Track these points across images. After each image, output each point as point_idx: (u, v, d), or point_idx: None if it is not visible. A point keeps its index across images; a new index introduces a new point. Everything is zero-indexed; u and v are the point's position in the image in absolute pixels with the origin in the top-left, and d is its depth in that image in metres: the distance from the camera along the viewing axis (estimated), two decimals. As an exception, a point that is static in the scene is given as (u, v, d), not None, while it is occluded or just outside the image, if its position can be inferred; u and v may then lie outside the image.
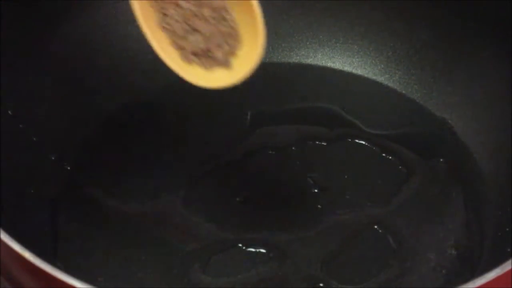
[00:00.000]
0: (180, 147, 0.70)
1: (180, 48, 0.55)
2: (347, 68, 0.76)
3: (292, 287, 0.61)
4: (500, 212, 0.65)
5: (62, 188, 0.67)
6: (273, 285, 0.61)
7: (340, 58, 0.77)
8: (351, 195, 0.67)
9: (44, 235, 0.63)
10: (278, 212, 0.66)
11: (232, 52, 0.54)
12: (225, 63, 0.54)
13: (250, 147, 0.70)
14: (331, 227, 0.65)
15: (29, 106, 0.68)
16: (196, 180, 0.68)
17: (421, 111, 0.74)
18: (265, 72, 0.76)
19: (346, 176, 0.68)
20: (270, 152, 0.70)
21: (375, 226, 0.65)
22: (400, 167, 0.69)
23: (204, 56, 0.55)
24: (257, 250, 0.63)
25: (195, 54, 0.55)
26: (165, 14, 0.54)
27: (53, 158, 0.68)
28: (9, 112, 0.66)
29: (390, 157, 0.70)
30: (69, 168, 0.68)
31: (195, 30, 0.54)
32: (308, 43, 0.77)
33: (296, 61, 0.77)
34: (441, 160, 0.69)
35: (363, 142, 0.71)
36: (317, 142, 0.71)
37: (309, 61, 0.77)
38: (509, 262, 0.50)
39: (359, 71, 0.76)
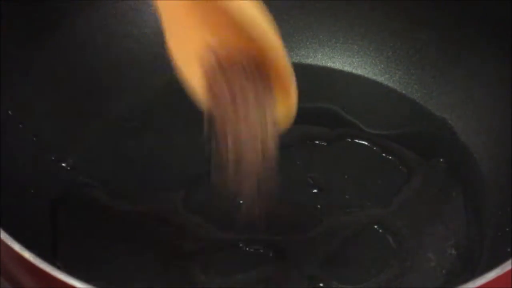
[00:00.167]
0: (180, 147, 0.70)
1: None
2: (347, 68, 0.76)
3: (292, 287, 0.61)
4: (500, 212, 0.65)
5: (62, 188, 0.67)
6: (273, 285, 0.61)
7: (340, 58, 0.77)
8: (351, 195, 0.67)
9: (44, 235, 0.63)
10: (278, 212, 0.66)
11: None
12: None
13: (250, 147, 0.70)
14: (331, 227, 0.65)
15: (29, 106, 0.68)
16: (196, 180, 0.68)
17: (421, 111, 0.73)
18: (265, 72, 0.76)
19: (346, 176, 0.68)
20: (270, 152, 0.70)
21: (375, 226, 0.65)
22: (400, 167, 0.69)
23: None
24: (257, 250, 0.63)
25: None
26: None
27: (53, 158, 0.68)
28: (9, 112, 0.66)
29: (390, 157, 0.70)
30: (69, 168, 0.68)
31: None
32: (308, 43, 0.77)
33: (296, 61, 0.77)
34: (441, 160, 0.69)
35: (363, 142, 0.71)
36: (317, 142, 0.71)
37: (309, 61, 0.77)
38: (509, 262, 0.50)
39: (359, 71, 0.76)
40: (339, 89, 0.75)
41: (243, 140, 0.54)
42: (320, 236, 0.64)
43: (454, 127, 0.72)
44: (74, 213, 0.65)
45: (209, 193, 0.67)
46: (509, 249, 0.59)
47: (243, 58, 0.52)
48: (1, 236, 0.51)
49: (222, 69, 0.53)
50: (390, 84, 0.75)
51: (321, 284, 0.61)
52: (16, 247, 0.50)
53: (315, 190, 0.67)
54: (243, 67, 0.53)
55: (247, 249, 0.63)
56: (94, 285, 0.48)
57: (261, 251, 0.63)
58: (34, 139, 0.67)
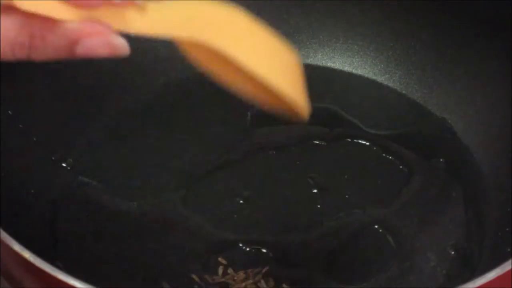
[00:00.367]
0: (180, 147, 0.70)
1: None
2: (347, 68, 0.76)
3: (291, 287, 0.61)
4: (500, 212, 0.65)
5: (62, 188, 0.67)
6: (273, 285, 0.61)
7: (340, 58, 0.77)
8: (351, 195, 0.67)
9: (44, 235, 0.63)
10: (278, 212, 0.66)
11: None
12: None
13: (251, 147, 0.70)
14: (331, 227, 0.65)
15: (29, 106, 0.68)
16: (196, 180, 0.68)
17: (421, 111, 0.73)
18: (265, 72, 0.76)
19: (346, 176, 0.68)
20: (270, 152, 0.70)
21: (375, 226, 0.65)
22: (400, 167, 0.69)
23: None
24: (257, 250, 0.63)
25: None
26: None
27: (53, 158, 0.68)
28: (9, 112, 0.66)
29: (390, 157, 0.70)
30: (69, 168, 0.68)
31: None
32: (308, 43, 0.77)
33: (296, 61, 0.77)
34: (441, 160, 0.69)
35: (363, 142, 0.71)
36: (317, 142, 0.71)
37: (309, 61, 0.77)
38: (509, 262, 0.50)
39: (359, 71, 0.76)
40: (339, 89, 0.75)
41: None
42: (320, 236, 0.64)
43: (454, 127, 0.72)
44: (74, 213, 0.65)
45: (209, 193, 0.67)
46: (509, 249, 0.59)
47: None
48: (1, 236, 0.51)
49: None
50: (390, 84, 0.75)
51: (321, 284, 0.61)
52: (16, 247, 0.50)
53: (315, 190, 0.67)
54: None
55: (247, 249, 0.63)
56: (94, 285, 0.48)
57: (261, 251, 0.63)
58: (34, 139, 0.67)
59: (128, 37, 0.75)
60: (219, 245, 0.63)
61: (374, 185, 0.68)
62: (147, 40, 0.76)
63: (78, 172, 0.68)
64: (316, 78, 0.75)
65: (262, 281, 0.61)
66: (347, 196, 0.67)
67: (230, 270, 0.62)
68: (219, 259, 0.62)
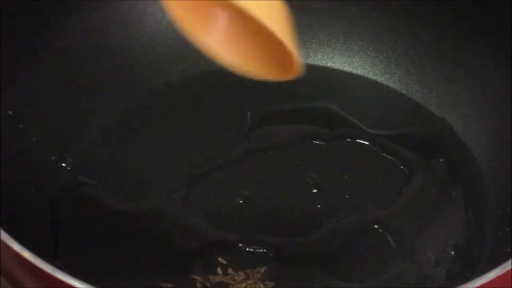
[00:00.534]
0: (180, 147, 0.70)
1: None
2: (347, 68, 0.76)
3: (292, 287, 0.61)
4: (500, 212, 0.65)
5: (62, 188, 0.67)
6: (273, 285, 0.61)
7: (340, 58, 0.77)
8: (350, 195, 0.67)
9: (44, 235, 0.63)
10: (278, 212, 0.66)
11: None
12: None
13: (250, 147, 0.70)
14: (331, 227, 0.65)
15: (29, 106, 0.68)
16: (196, 180, 0.68)
17: (421, 111, 0.74)
18: (265, 72, 0.76)
19: (346, 176, 0.68)
20: (270, 152, 0.70)
21: (375, 226, 0.65)
22: (400, 167, 0.69)
23: None
24: (257, 250, 0.63)
25: None
26: None
27: (53, 158, 0.68)
28: (9, 112, 0.66)
29: (390, 157, 0.70)
30: (69, 168, 0.68)
31: None
32: (308, 43, 0.77)
33: (296, 61, 0.77)
34: (441, 160, 0.69)
35: (363, 142, 0.71)
36: (317, 142, 0.71)
37: (309, 61, 0.77)
38: (509, 262, 0.50)
39: (359, 71, 0.76)
40: (339, 89, 0.75)
41: None
42: (320, 236, 0.64)
43: (454, 127, 0.72)
44: (74, 213, 0.65)
45: (209, 193, 0.67)
46: (509, 249, 0.59)
47: None
48: (1, 236, 0.51)
49: None
50: (390, 84, 0.75)
51: (321, 284, 0.61)
52: (16, 247, 0.50)
53: (315, 190, 0.67)
54: None
55: (247, 249, 0.63)
56: (94, 285, 0.48)
57: (261, 251, 0.63)
58: (34, 139, 0.67)
59: (128, 37, 0.75)
60: (219, 245, 0.63)
61: (374, 185, 0.68)
62: (147, 40, 0.77)
63: (78, 172, 0.68)
64: (316, 78, 0.76)
65: (262, 281, 0.61)
66: (347, 196, 0.67)
67: (230, 270, 0.62)
68: (219, 259, 0.62)
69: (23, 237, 0.51)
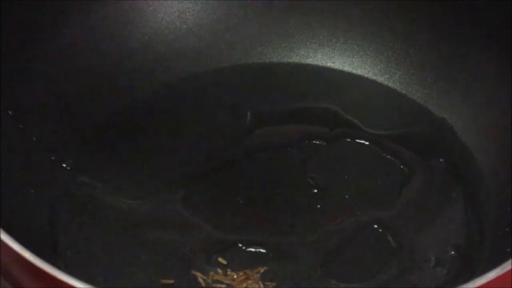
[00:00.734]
0: (180, 147, 0.70)
1: None
2: (347, 68, 0.76)
3: (292, 287, 0.61)
4: (500, 212, 0.65)
5: (62, 188, 0.67)
6: (272, 285, 0.61)
7: (340, 58, 0.77)
8: (350, 195, 0.67)
9: (44, 235, 0.63)
10: (278, 212, 0.66)
11: None
12: None
13: (250, 147, 0.70)
14: (331, 227, 0.65)
15: (29, 106, 0.68)
16: (196, 180, 0.68)
17: (421, 111, 0.73)
18: (265, 72, 0.76)
19: (346, 176, 0.68)
20: (270, 152, 0.70)
21: (375, 226, 0.65)
22: (400, 167, 0.69)
23: None
24: (257, 250, 0.63)
25: None
26: None
27: (53, 158, 0.68)
28: (9, 112, 0.66)
29: (390, 157, 0.70)
30: (69, 168, 0.68)
31: None
32: (308, 43, 0.77)
33: (296, 61, 0.77)
34: (441, 160, 0.69)
35: (363, 142, 0.71)
36: (317, 142, 0.71)
37: (309, 61, 0.77)
38: (509, 262, 0.50)
39: (359, 71, 0.76)
40: (339, 89, 0.75)
41: None
42: (320, 236, 0.64)
43: (454, 127, 0.72)
44: (74, 213, 0.65)
45: (209, 193, 0.67)
46: (509, 249, 0.59)
47: None
48: (1, 236, 0.51)
49: None
50: (390, 84, 0.75)
51: (321, 284, 0.61)
52: (16, 247, 0.50)
53: (315, 190, 0.67)
54: None
55: (247, 249, 0.63)
56: (94, 285, 0.48)
57: (261, 251, 0.63)
58: (34, 139, 0.67)
59: (128, 37, 0.75)
60: (219, 245, 0.63)
61: (374, 185, 0.68)
62: (147, 40, 0.77)
63: (78, 172, 0.68)
64: (316, 78, 0.76)
65: (262, 281, 0.61)
66: (347, 196, 0.67)
67: (230, 270, 0.62)
68: (219, 259, 0.62)
69: (23, 237, 0.51)
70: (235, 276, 0.61)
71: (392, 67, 0.76)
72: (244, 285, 0.61)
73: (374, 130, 0.71)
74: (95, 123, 0.71)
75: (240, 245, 0.63)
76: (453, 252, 0.63)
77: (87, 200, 0.66)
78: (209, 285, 0.61)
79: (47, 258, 0.50)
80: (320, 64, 0.77)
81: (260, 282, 0.61)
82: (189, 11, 0.77)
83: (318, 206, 0.66)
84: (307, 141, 0.71)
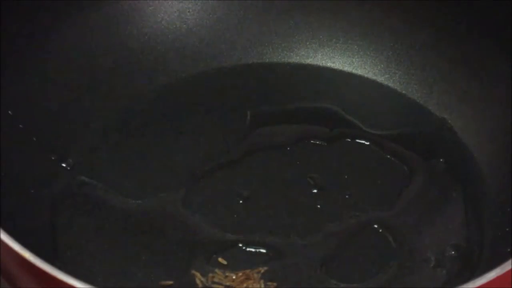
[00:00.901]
0: (180, 147, 0.70)
1: None
2: (347, 68, 0.76)
3: (292, 287, 0.61)
4: (500, 212, 0.65)
5: (62, 188, 0.67)
6: (272, 285, 0.61)
7: (340, 58, 0.77)
8: (350, 195, 0.67)
9: (44, 235, 0.63)
10: (278, 212, 0.66)
11: None
12: None
13: (250, 147, 0.70)
14: (331, 227, 0.65)
15: (29, 106, 0.68)
16: (196, 180, 0.68)
17: (421, 111, 0.73)
18: (265, 72, 0.76)
19: (346, 176, 0.68)
20: (270, 152, 0.70)
21: (375, 226, 0.65)
22: (400, 167, 0.69)
23: None
24: (257, 250, 0.63)
25: None
26: None
27: (53, 158, 0.68)
28: (9, 112, 0.66)
29: (390, 157, 0.70)
30: (69, 168, 0.68)
31: None
32: (308, 43, 0.77)
33: (296, 61, 0.77)
34: (441, 160, 0.69)
35: (363, 142, 0.71)
36: (317, 142, 0.71)
37: (309, 61, 0.77)
38: (509, 262, 0.50)
39: (359, 71, 0.76)
40: (339, 89, 0.75)
41: None
42: (320, 236, 0.64)
43: (454, 127, 0.72)
44: (74, 213, 0.65)
45: (209, 193, 0.67)
46: (509, 249, 0.59)
47: None
48: (1, 236, 0.51)
49: None
50: (390, 84, 0.75)
51: (320, 284, 0.61)
52: (16, 247, 0.50)
53: (315, 190, 0.67)
54: None
55: (247, 249, 0.63)
56: (94, 285, 0.48)
57: (261, 251, 0.63)
58: (34, 139, 0.67)
59: (128, 37, 0.75)
60: (219, 245, 0.63)
61: (374, 185, 0.68)
62: (147, 40, 0.77)
63: (78, 172, 0.68)
64: (316, 78, 0.76)
65: (262, 281, 0.61)
66: (347, 196, 0.67)
67: (230, 271, 0.62)
68: (219, 259, 0.62)
69: (23, 237, 0.51)
70: (234, 277, 0.61)
71: (392, 67, 0.76)
72: (245, 285, 0.61)
73: (374, 130, 0.71)
74: (95, 123, 0.71)
75: (240, 245, 0.63)
76: (453, 252, 0.63)
77: (87, 200, 0.66)
78: (208, 286, 0.61)
79: (47, 258, 0.50)
80: (320, 64, 0.77)
81: (261, 282, 0.61)
82: (189, 11, 0.77)
83: (318, 206, 0.66)
84: (307, 141, 0.71)
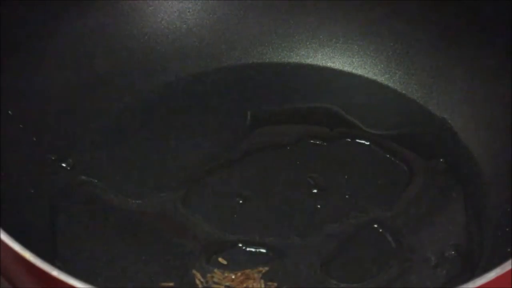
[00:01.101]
0: (180, 147, 0.70)
1: None
2: (347, 68, 0.76)
3: (292, 287, 0.61)
4: (500, 212, 0.65)
5: (62, 188, 0.67)
6: (272, 285, 0.61)
7: (340, 58, 0.77)
8: (350, 195, 0.67)
9: (44, 235, 0.63)
10: (278, 212, 0.66)
11: None
12: None
13: (250, 147, 0.70)
14: (331, 227, 0.65)
15: (29, 106, 0.68)
16: (196, 180, 0.68)
17: (421, 111, 0.73)
18: (265, 72, 0.76)
19: (346, 176, 0.68)
20: (270, 152, 0.70)
21: (375, 226, 0.65)
22: (400, 167, 0.69)
23: None
24: (257, 250, 0.63)
25: None
26: None
27: (53, 158, 0.68)
28: (9, 112, 0.66)
29: (390, 157, 0.70)
30: (69, 168, 0.68)
31: None
32: (308, 43, 0.77)
33: (296, 61, 0.77)
34: (441, 160, 0.69)
35: (363, 142, 0.71)
36: (317, 142, 0.71)
37: (309, 61, 0.77)
38: (509, 262, 0.50)
39: (359, 71, 0.76)
40: (339, 89, 0.75)
41: None
42: (320, 236, 0.64)
43: (454, 127, 0.72)
44: (74, 213, 0.65)
45: (209, 193, 0.67)
46: (509, 249, 0.59)
47: None
48: (1, 236, 0.51)
49: None
50: (390, 84, 0.75)
51: (320, 284, 0.61)
52: (16, 247, 0.50)
53: (315, 190, 0.67)
54: None
55: (247, 249, 0.63)
56: (94, 285, 0.48)
57: (261, 251, 0.63)
58: (34, 139, 0.67)
59: (128, 37, 0.75)
60: (219, 245, 0.63)
61: (374, 185, 0.68)
62: (147, 40, 0.77)
63: (78, 172, 0.68)
64: (316, 78, 0.76)
65: (262, 281, 0.61)
66: (347, 196, 0.67)
67: (230, 271, 0.62)
68: (219, 259, 0.62)
69: (23, 237, 0.51)
70: (233, 277, 0.61)
71: (392, 67, 0.76)
72: (245, 285, 0.61)
73: (374, 130, 0.71)
74: (95, 123, 0.71)
75: (240, 245, 0.63)
76: (453, 252, 0.63)
77: (87, 200, 0.66)
78: (208, 286, 0.61)
79: (47, 258, 0.50)
80: (320, 64, 0.77)
81: (261, 281, 0.61)
82: (189, 11, 0.77)
83: (318, 206, 0.66)
84: (307, 141, 0.71)
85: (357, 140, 0.71)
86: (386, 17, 0.75)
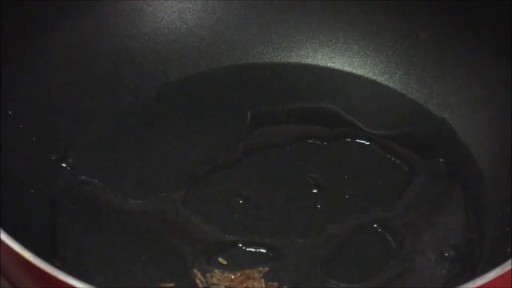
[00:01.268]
0: (180, 147, 0.70)
1: None
2: (347, 68, 0.76)
3: (292, 287, 0.61)
4: (500, 212, 0.65)
5: (62, 188, 0.67)
6: (273, 285, 0.61)
7: (340, 58, 0.77)
8: (350, 195, 0.67)
9: (44, 235, 0.63)
10: (278, 212, 0.66)
11: None
12: None
13: (250, 146, 0.70)
14: (331, 227, 0.65)
15: (29, 106, 0.68)
16: (196, 180, 0.68)
17: (421, 111, 0.73)
18: (265, 72, 0.76)
19: (346, 176, 0.68)
20: (270, 152, 0.70)
21: (375, 226, 0.65)
22: (400, 167, 0.69)
23: None
24: (257, 250, 0.63)
25: None
26: None
27: (53, 158, 0.68)
28: (9, 112, 0.66)
29: (390, 157, 0.70)
30: (69, 168, 0.68)
31: None
32: (308, 43, 0.77)
33: (296, 61, 0.77)
34: (441, 160, 0.69)
35: (363, 142, 0.71)
36: (317, 142, 0.71)
37: (309, 61, 0.77)
38: (509, 262, 0.50)
39: (359, 71, 0.76)
40: (339, 89, 0.75)
41: None
42: (320, 236, 0.64)
43: (454, 127, 0.72)
44: (74, 213, 0.65)
45: (209, 193, 0.67)
46: (509, 249, 0.59)
47: None
48: (1, 236, 0.51)
49: None
50: (390, 84, 0.75)
51: (320, 284, 0.61)
52: (16, 247, 0.50)
53: (315, 190, 0.67)
54: None
55: (247, 249, 0.63)
56: (94, 285, 0.48)
57: (261, 251, 0.63)
58: (34, 139, 0.67)
59: (128, 37, 0.75)
60: (219, 245, 0.63)
61: (374, 185, 0.68)
62: (147, 40, 0.77)
63: (78, 172, 0.68)
64: (316, 78, 0.76)
65: (262, 281, 0.61)
66: (347, 196, 0.67)
67: (230, 271, 0.62)
68: (219, 259, 0.62)
69: (23, 237, 0.51)
70: (233, 277, 0.61)
71: (392, 67, 0.76)
72: (245, 285, 0.61)
73: (374, 130, 0.71)
74: (95, 123, 0.71)
75: (240, 245, 0.63)
76: (453, 252, 0.63)
77: (87, 200, 0.66)
78: (208, 286, 0.61)
79: (47, 258, 0.50)
80: (320, 64, 0.77)
81: (262, 281, 0.61)
82: (189, 11, 0.77)
83: (318, 206, 0.66)
84: (307, 141, 0.71)
85: (357, 140, 0.71)
86: (386, 17, 0.75)
